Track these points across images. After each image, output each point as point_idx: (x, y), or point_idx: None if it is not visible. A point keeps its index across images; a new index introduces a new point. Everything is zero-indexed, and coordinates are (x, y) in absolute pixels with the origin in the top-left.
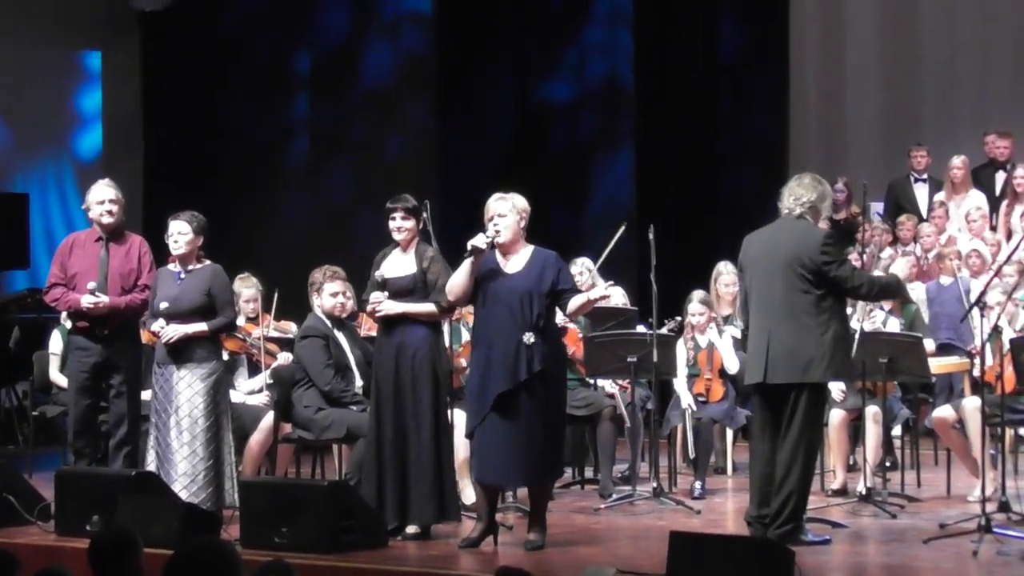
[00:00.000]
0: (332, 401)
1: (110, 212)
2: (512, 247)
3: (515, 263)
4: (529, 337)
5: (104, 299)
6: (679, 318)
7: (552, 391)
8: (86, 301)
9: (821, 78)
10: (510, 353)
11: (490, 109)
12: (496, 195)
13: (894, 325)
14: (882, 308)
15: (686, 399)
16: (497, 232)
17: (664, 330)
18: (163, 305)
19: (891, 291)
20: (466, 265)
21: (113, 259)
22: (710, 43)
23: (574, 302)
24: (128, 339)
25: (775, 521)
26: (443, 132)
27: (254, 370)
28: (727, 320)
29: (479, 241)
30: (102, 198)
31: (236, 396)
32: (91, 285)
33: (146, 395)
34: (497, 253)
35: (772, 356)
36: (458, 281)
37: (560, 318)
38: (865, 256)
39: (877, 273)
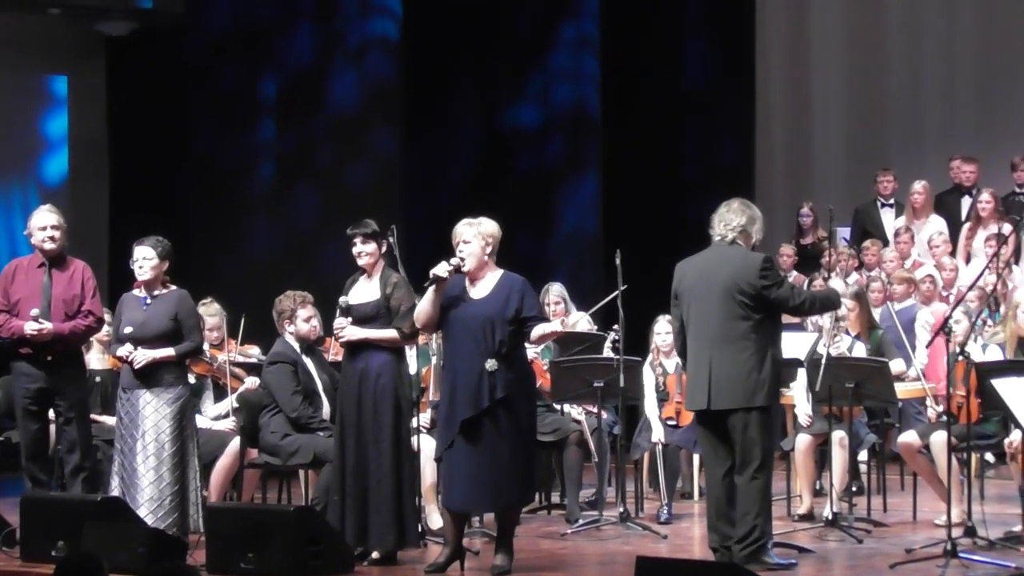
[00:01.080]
0: (299, 427)
1: (52, 238)
2: (479, 272)
3: (481, 289)
4: (492, 364)
5: (48, 325)
6: (617, 326)
7: (517, 418)
8: (29, 328)
9: (787, 104)
10: (473, 380)
11: (456, 135)
12: (464, 220)
13: (860, 350)
14: (848, 333)
15: (658, 432)
16: (462, 260)
17: (608, 341)
18: (127, 330)
19: (830, 303)
20: (429, 294)
21: (56, 285)
22: (676, 69)
23: (536, 331)
24: (72, 365)
25: (743, 542)
26: (409, 158)
27: (220, 395)
28: None
29: (440, 270)
30: (44, 224)
31: (202, 421)
32: (35, 312)
33: (112, 420)
34: (465, 278)
35: (715, 382)
36: (423, 309)
37: (530, 351)
38: (831, 281)
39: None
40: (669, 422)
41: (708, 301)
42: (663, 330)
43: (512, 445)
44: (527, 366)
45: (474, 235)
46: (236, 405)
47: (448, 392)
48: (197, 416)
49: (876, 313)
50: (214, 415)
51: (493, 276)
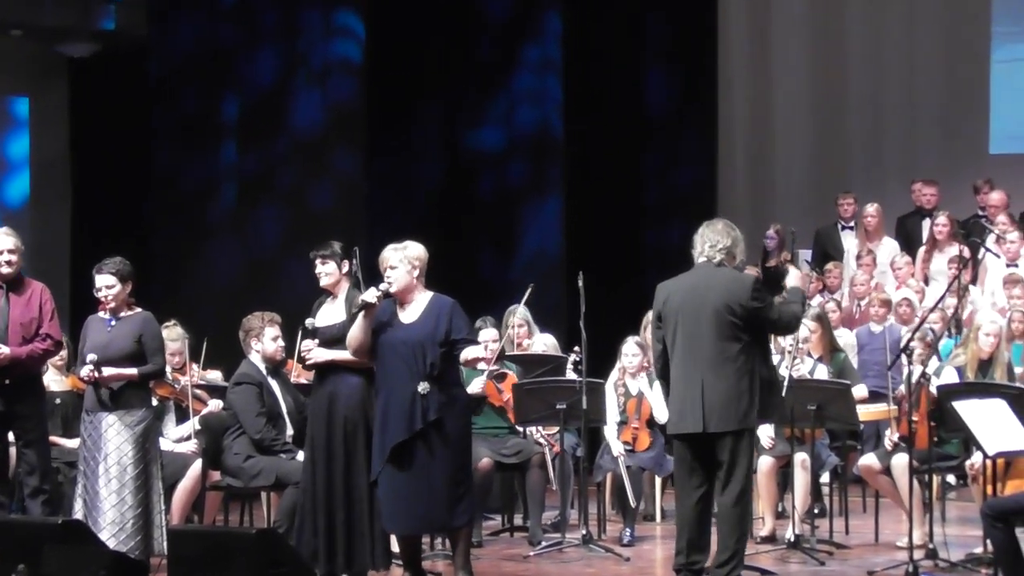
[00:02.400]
0: (262, 449)
1: (9, 262)
2: (408, 296)
3: (411, 312)
4: (424, 387)
5: (5, 350)
6: (577, 348)
7: (451, 439)
8: None
9: (749, 127)
10: (405, 403)
11: (419, 157)
12: (391, 245)
13: (822, 372)
14: (810, 355)
15: (616, 447)
16: (390, 284)
17: (569, 362)
18: (91, 356)
19: (803, 302)
20: (359, 320)
21: (14, 308)
22: (639, 92)
23: (465, 353)
24: (31, 388)
25: (725, 566)
26: (372, 180)
27: (182, 417)
28: None
29: (369, 296)
30: (0, 247)
31: (164, 443)
32: None
33: (75, 443)
34: (395, 303)
35: (708, 405)
36: (354, 336)
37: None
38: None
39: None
40: (625, 446)
41: (698, 322)
42: (630, 351)
43: (446, 467)
44: (460, 388)
45: (400, 259)
46: (198, 427)
47: (381, 415)
48: (159, 438)
49: (844, 335)
50: (176, 437)
51: (423, 299)
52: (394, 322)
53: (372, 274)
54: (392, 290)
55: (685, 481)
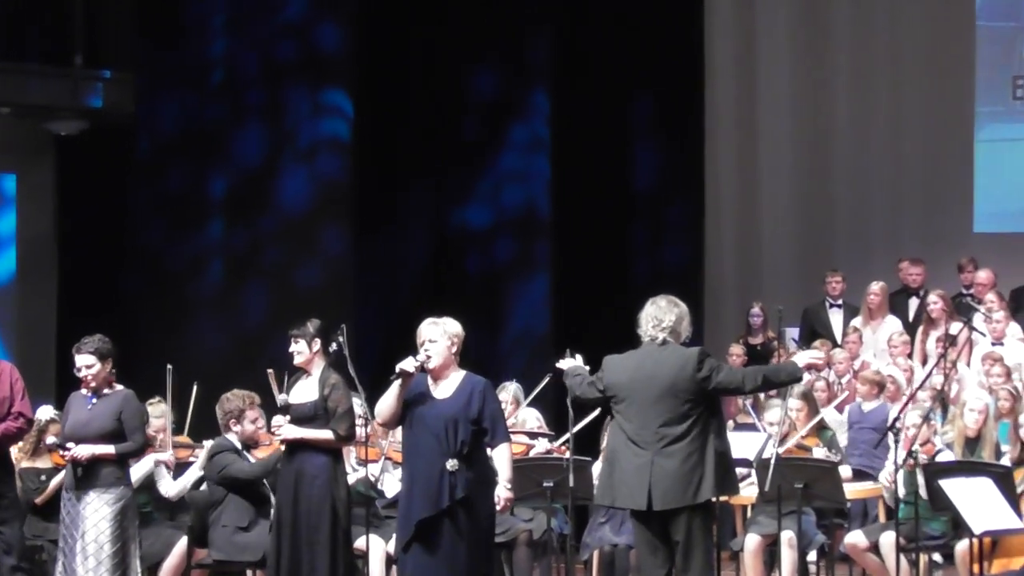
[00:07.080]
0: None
1: None
2: (442, 372)
3: (444, 388)
4: (453, 464)
5: None
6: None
7: (478, 519)
8: None
9: (736, 206)
10: (433, 479)
11: (407, 235)
12: (428, 320)
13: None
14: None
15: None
16: (428, 357)
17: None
18: (50, 440)
19: (782, 375)
20: (394, 388)
21: None
22: (626, 171)
23: (497, 461)
24: (2, 467)
25: None
26: (359, 258)
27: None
28: None
29: (407, 365)
30: None
31: (172, 490)
32: None
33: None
34: (428, 377)
35: (656, 482)
36: (386, 404)
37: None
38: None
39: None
40: None
41: (646, 402)
42: None
43: (471, 548)
44: (488, 468)
45: (440, 334)
46: (201, 473)
47: (407, 490)
48: (164, 491)
49: (829, 413)
50: (179, 488)
51: (456, 376)
52: (428, 396)
53: (357, 352)
54: (431, 364)
55: (648, 560)
